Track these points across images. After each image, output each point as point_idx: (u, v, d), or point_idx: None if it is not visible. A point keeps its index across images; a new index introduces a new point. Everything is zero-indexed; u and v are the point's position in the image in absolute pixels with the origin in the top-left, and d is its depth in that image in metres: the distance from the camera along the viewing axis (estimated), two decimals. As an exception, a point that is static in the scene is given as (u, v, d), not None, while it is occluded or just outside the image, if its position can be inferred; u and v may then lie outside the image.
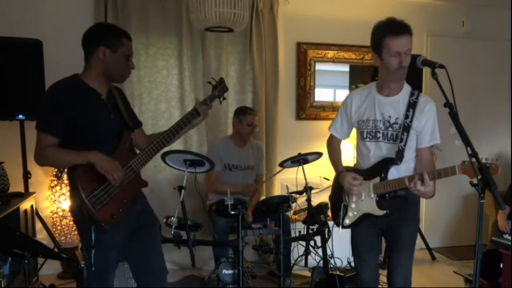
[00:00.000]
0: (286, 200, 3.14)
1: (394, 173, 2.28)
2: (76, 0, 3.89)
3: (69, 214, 3.43)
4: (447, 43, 4.86)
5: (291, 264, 3.53)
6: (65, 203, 3.69)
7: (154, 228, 2.36)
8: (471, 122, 4.08)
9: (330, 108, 4.62)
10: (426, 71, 4.11)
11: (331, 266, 3.32)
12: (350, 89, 4.59)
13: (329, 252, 3.27)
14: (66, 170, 2.12)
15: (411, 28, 2.20)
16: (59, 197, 3.75)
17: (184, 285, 3.74)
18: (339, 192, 2.46)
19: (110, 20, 3.76)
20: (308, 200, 3.29)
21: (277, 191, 4.32)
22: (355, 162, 2.58)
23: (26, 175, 3.45)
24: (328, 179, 4.08)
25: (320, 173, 4.05)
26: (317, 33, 4.49)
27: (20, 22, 3.69)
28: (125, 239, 2.20)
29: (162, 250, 2.41)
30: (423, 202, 4.85)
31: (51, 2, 3.85)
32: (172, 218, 3.05)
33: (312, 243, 3.38)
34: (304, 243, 3.40)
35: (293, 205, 3.29)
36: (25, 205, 3.26)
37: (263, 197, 3.86)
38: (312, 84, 4.55)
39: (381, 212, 2.29)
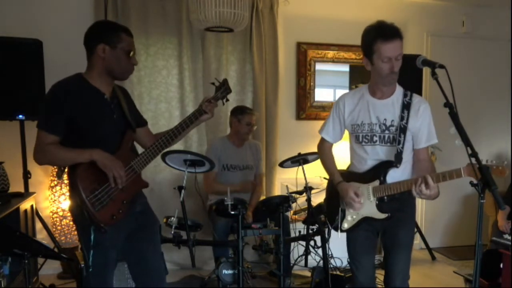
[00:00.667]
0: (286, 200, 3.14)
1: (391, 175, 2.27)
2: (76, 0, 3.89)
3: (69, 214, 3.43)
4: (447, 43, 4.86)
5: (291, 264, 3.53)
6: (65, 203, 3.69)
7: (153, 228, 2.36)
8: (471, 122, 4.09)
9: (330, 108, 4.59)
10: (426, 71, 4.12)
11: (331, 266, 3.32)
12: (350, 89, 4.59)
13: (329, 252, 3.27)
14: (67, 169, 2.12)
15: (406, 28, 2.19)
16: (59, 197, 3.75)
17: (184, 285, 3.74)
18: (335, 196, 2.43)
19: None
20: (308, 200, 3.29)
21: (277, 191, 4.32)
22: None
23: (26, 175, 3.45)
24: (327, 179, 4.07)
25: (320, 173, 4.03)
26: (317, 33, 4.49)
27: (20, 22, 3.70)
28: (124, 239, 2.20)
29: (162, 250, 2.41)
30: (423, 202, 4.87)
31: (51, 2, 3.85)
32: (172, 218, 3.04)
33: (312, 243, 3.38)
34: (304, 243, 3.41)
35: (293, 205, 3.28)
36: (25, 205, 3.26)
37: (263, 197, 3.86)
38: (312, 84, 4.55)
39: (382, 216, 2.28)
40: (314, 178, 3.80)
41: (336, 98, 4.61)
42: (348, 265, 3.59)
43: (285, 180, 3.97)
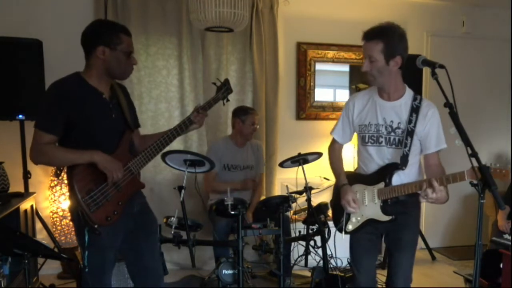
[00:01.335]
0: (286, 200, 3.14)
1: (396, 178, 2.27)
2: (76, 0, 3.89)
3: (69, 214, 3.43)
4: (447, 43, 4.86)
5: (291, 264, 3.53)
6: (65, 203, 3.69)
7: (152, 228, 2.36)
8: (471, 122, 4.08)
9: (330, 108, 4.62)
10: (426, 71, 4.11)
11: (331, 266, 3.32)
12: (350, 89, 4.59)
13: (329, 252, 3.27)
14: (65, 169, 2.12)
15: (406, 28, 2.20)
16: (59, 197, 3.75)
17: (184, 285, 3.74)
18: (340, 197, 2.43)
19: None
20: (308, 200, 3.28)
21: (277, 191, 4.32)
22: (355, 164, 2.57)
23: (26, 175, 3.45)
24: (328, 179, 4.08)
25: (320, 173, 4.06)
26: (317, 33, 4.49)
27: (20, 22, 3.69)
28: (122, 239, 2.20)
29: (160, 250, 2.41)
30: (423, 202, 4.85)
31: (51, 2, 3.85)
32: (172, 218, 3.04)
33: (312, 243, 3.38)
34: (304, 243, 3.40)
35: (293, 205, 3.28)
36: (25, 205, 3.26)
37: (263, 197, 3.86)
38: (312, 84, 4.55)
39: (386, 218, 2.28)
40: (314, 178, 3.81)
41: (336, 98, 4.66)
42: (348, 265, 3.61)
43: (285, 180, 3.97)
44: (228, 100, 2.49)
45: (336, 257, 3.34)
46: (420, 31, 4.74)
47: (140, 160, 2.18)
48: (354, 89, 4.38)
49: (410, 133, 2.22)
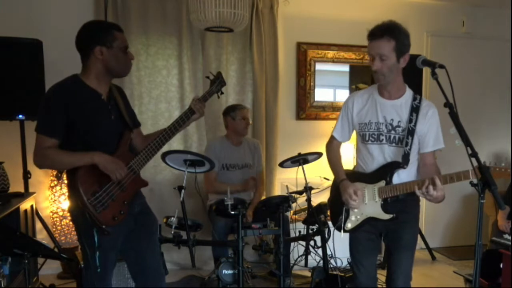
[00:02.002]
0: (286, 200, 3.14)
1: (396, 177, 2.27)
2: (76, 0, 3.89)
3: (69, 214, 3.43)
4: (447, 43, 4.86)
5: (291, 264, 3.53)
6: (65, 203, 3.69)
7: (152, 228, 2.36)
8: (471, 122, 4.09)
9: (330, 108, 4.62)
10: (426, 71, 4.11)
11: (331, 266, 3.32)
12: (350, 89, 4.59)
13: (329, 252, 3.27)
14: (65, 170, 2.12)
15: (407, 28, 2.19)
16: (59, 197, 3.75)
17: (184, 285, 3.74)
18: (339, 196, 2.42)
19: (110, 20, 3.76)
20: (308, 200, 3.29)
21: (277, 191, 4.32)
22: (354, 163, 2.56)
23: (26, 175, 3.45)
24: (328, 179, 4.07)
25: (320, 173, 4.05)
26: (317, 33, 4.49)
27: (20, 22, 3.69)
28: (123, 239, 2.20)
29: (161, 250, 2.41)
30: (423, 202, 4.85)
31: (51, 2, 3.85)
32: (172, 218, 3.04)
33: (312, 243, 3.38)
34: (304, 243, 3.40)
35: (293, 205, 3.28)
36: (25, 205, 3.26)
37: (263, 197, 3.86)
38: (312, 84, 4.55)
39: (387, 216, 2.28)
40: (314, 178, 3.81)
41: (336, 98, 4.66)
42: (348, 265, 3.61)
43: (285, 180, 3.97)
44: (222, 93, 2.51)
45: (335, 257, 3.36)
46: (420, 31, 4.74)
47: (142, 157, 2.19)
48: (354, 89, 4.38)
49: (410, 132, 2.22)
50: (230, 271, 2.99)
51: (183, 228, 3.03)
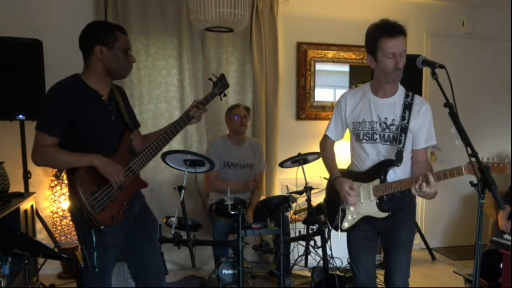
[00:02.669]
0: (286, 200, 3.14)
1: (391, 175, 2.27)
2: (76, 0, 3.89)
3: (69, 214, 3.44)
4: (447, 43, 4.86)
5: (291, 264, 3.53)
6: (65, 203, 3.68)
7: (152, 228, 2.36)
8: (471, 122, 4.09)
9: (330, 108, 4.62)
10: (426, 71, 4.10)
11: (331, 266, 3.32)
12: (350, 89, 4.59)
13: (329, 252, 3.27)
14: (65, 170, 2.12)
15: (407, 28, 2.19)
16: (59, 197, 3.75)
17: (184, 285, 3.74)
18: (335, 195, 2.42)
19: (110, 20, 3.76)
20: (308, 200, 3.29)
21: (277, 191, 4.32)
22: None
23: (26, 175, 3.45)
24: (327, 179, 4.07)
25: (320, 173, 4.03)
26: (317, 33, 4.49)
27: (20, 22, 3.69)
28: (123, 239, 2.20)
29: (161, 250, 2.41)
30: (423, 202, 4.86)
31: (51, 2, 3.85)
32: (172, 218, 3.05)
33: (312, 243, 3.38)
34: (304, 243, 3.41)
35: (293, 205, 3.28)
36: (25, 205, 3.26)
37: (263, 197, 3.86)
38: (312, 84, 4.55)
39: (383, 215, 2.28)
40: (314, 178, 3.80)
41: (336, 98, 4.65)
42: (348, 265, 3.61)
43: (285, 180, 3.97)
44: (225, 95, 2.50)
45: (334, 257, 3.36)
46: (420, 31, 4.75)
47: (141, 159, 2.19)
48: (347, 91, 4.38)
49: (404, 129, 2.23)
50: (230, 271, 2.99)
51: (183, 228, 3.03)
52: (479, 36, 4.95)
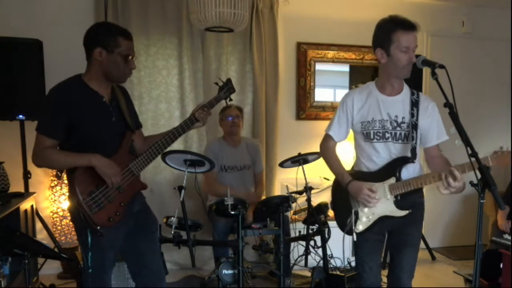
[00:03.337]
0: (286, 200, 3.14)
1: (404, 173, 2.25)
2: (76, 0, 3.89)
3: (69, 214, 3.44)
4: (447, 43, 4.86)
5: (291, 264, 3.53)
6: (65, 203, 3.69)
7: (152, 228, 2.36)
8: (471, 122, 4.09)
9: (330, 108, 4.62)
10: (426, 71, 4.12)
11: (331, 266, 3.32)
12: (350, 89, 4.59)
13: (329, 252, 3.27)
14: (65, 170, 2.12)
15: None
16: (59, 197, 3.75)
17: (184, 285, 3.74)
18: (343, 198, 2.37)
19: (110, 20, 3.76)
20: (308, 200, 3.29)
21: (277, 191, 4.32)
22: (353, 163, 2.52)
23: (26, 175, 3.45)
24: (328, 179, 4.08)
25: (320, 173, 4.05)
26: (317, 33, 4.49)
27: (20, 22, 3.69)
28: (123, 239, 2.20)
29: (161, 250, 2.41)
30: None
31: (51, 2, 3.85)
32: (172, 218, 3.04)
33: (312, 243, 3.38)
34: (304, 243, 3.40)
35: (293, 205, 3.28)
36: (25, 205, 3.26)
37: (263, 197, 3.86)
38: (312, 84, 4.55)
39: (402, 213, 2.24)
40: (314, 178, 3.81)
41: (337, 98, 4.65)
42: (348, 265, 3.61)
43: (285, 180, 3.97)
44: (230, 100, 2.48)
45: (333, 257, 3.36)
46: (420, 31, 4.70)
47: (142, 160, 2.18)
48: (352, 89, 4.38)
49: (414, 126, 2.22)
50: (230, 271, 2.99)
51: (183, 228, 3.03)
52: (479, 36, 4.95)
